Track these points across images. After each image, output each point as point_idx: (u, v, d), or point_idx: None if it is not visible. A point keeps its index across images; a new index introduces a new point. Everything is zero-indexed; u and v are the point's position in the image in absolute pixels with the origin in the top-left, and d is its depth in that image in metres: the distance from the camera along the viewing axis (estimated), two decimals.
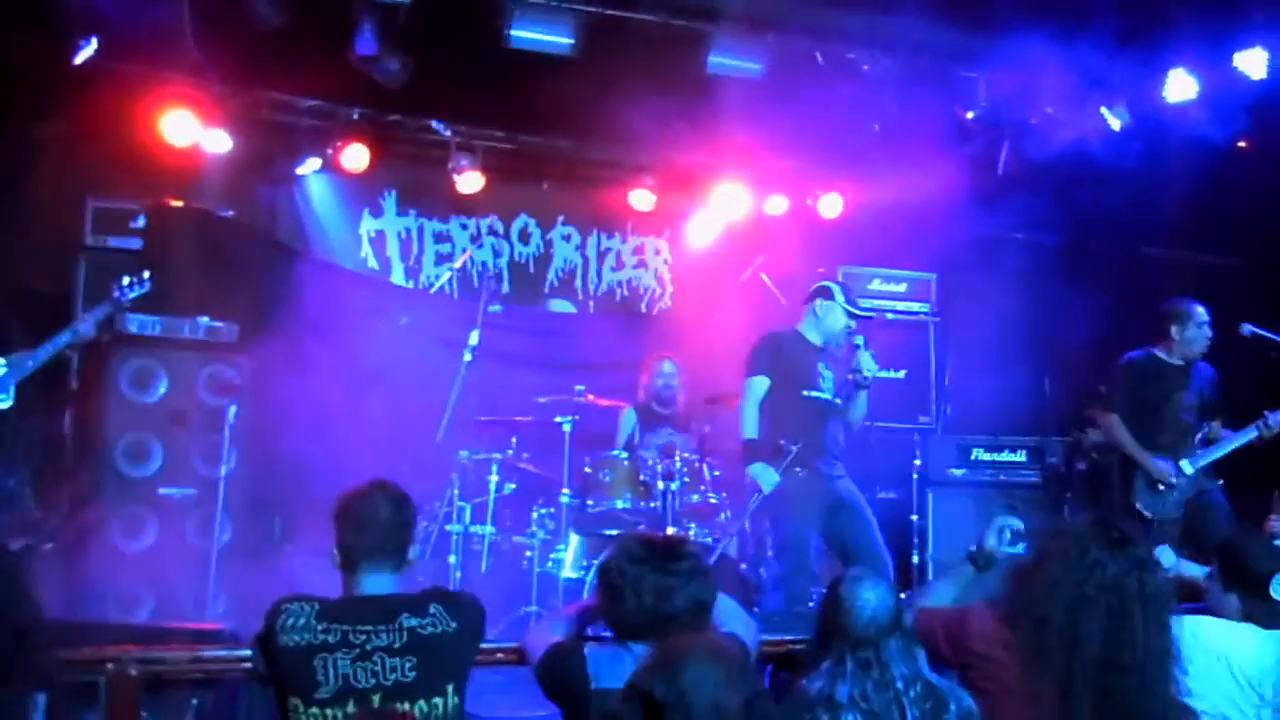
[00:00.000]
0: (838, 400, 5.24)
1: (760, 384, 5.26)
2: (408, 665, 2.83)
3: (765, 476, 5.01)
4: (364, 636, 2.83)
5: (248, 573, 5.34)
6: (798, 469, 5.02)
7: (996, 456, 6.71)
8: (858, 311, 5.33)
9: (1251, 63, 6.50)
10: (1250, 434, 5.48)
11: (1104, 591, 2.71)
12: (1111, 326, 7.23)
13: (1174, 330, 5.64)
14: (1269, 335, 5.49)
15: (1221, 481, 5.59)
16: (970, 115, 7.21)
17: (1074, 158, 7.02)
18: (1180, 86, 6.74)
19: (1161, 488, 5.53)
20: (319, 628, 2.83)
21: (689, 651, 2.19)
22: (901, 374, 7.51)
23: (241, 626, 3.51)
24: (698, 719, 2.05)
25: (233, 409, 5.34)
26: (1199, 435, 5.65)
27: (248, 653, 3.00)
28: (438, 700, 2.85)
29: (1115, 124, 7.04)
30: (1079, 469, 7.25)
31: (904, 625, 2.81)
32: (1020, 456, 6.81)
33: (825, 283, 5.48)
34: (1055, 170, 7.14)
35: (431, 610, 2.93)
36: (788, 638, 3.81)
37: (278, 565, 5.54)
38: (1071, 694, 2.65)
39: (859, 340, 5.21)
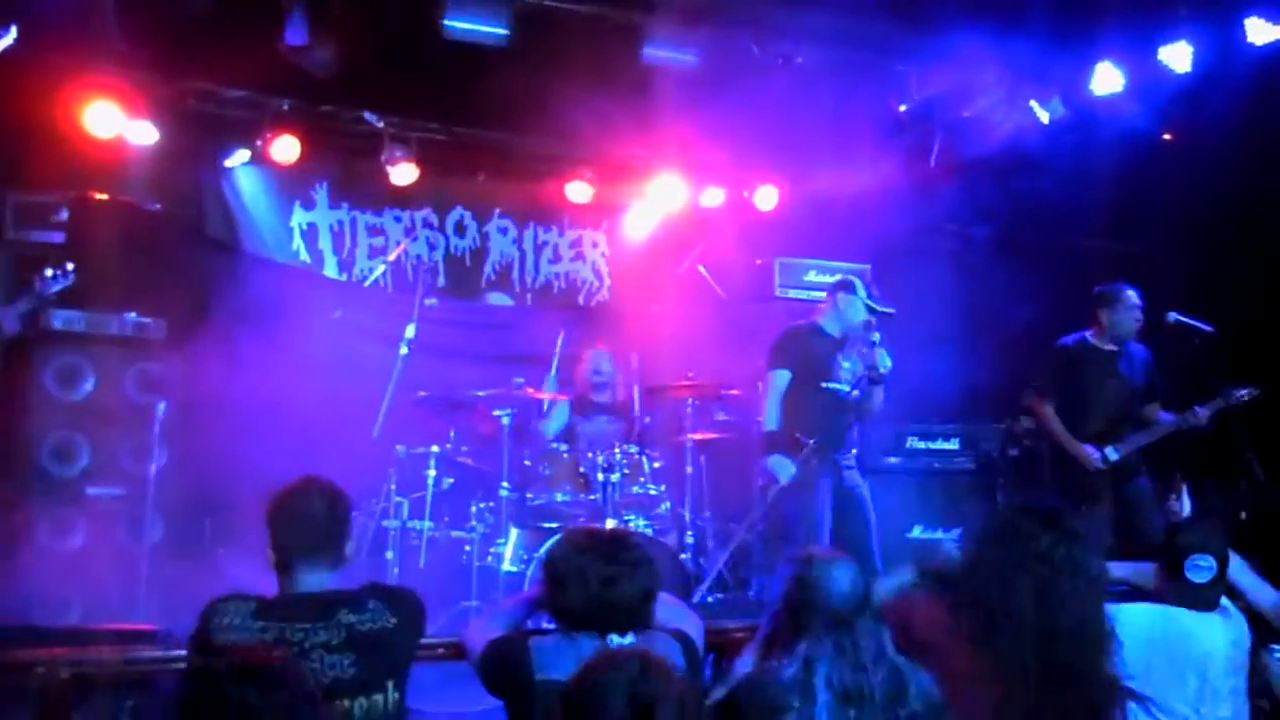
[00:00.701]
0: (854, 393, 5.36)
1: (782, 377, 5.42)
2: (347, 662, 2.82)
3: (783, 468, 5.18)
4: (302, 634, 2.82)
5: (180, 573, 5.26)
6: (813, 459, 5.16)
7: (931, 444, 6.81)
8: (878, 308, 5.45)
9: (1176, 56, 6.68)
10: (1175, 424, 5.60)
11: (1035, 563, 2.83)
12: (1042, 315, 7.39)
13: (1104, 313, 5.76)
14: (1193, 323, 5.63)
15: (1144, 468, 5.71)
16: (903, 108, 7.33)
17: (1005, 150, 7.18)
18: (1107, 79, 6.91)
19: (1089, 474, 5.65)
20: (256, 626, 2.81)
21: (612, 663, 2.19)
22: None
23: (174, 627, 3.47)
24: None
25: (161, 406, 5.26)
26: (1131, 420, 5.75)
27: (182, 653, 2.97)
28: (378, 696, 2.85)
29: (1044, 117, 7.19)
30: (1012, 455, 7.41)
31: (873, 605, 2.90)
32: (954, 444, 6.94)
33: (848, 277, 5.66)
34: (987, 162, 7.28)
35: (370, 606, 2.92)
36: (729, 625, 3.86)
37: (211, 565, 5.47)
38: (1014, 668, 2.76)
39: (875, 336, 5.34)
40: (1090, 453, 5.64)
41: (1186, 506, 4.18)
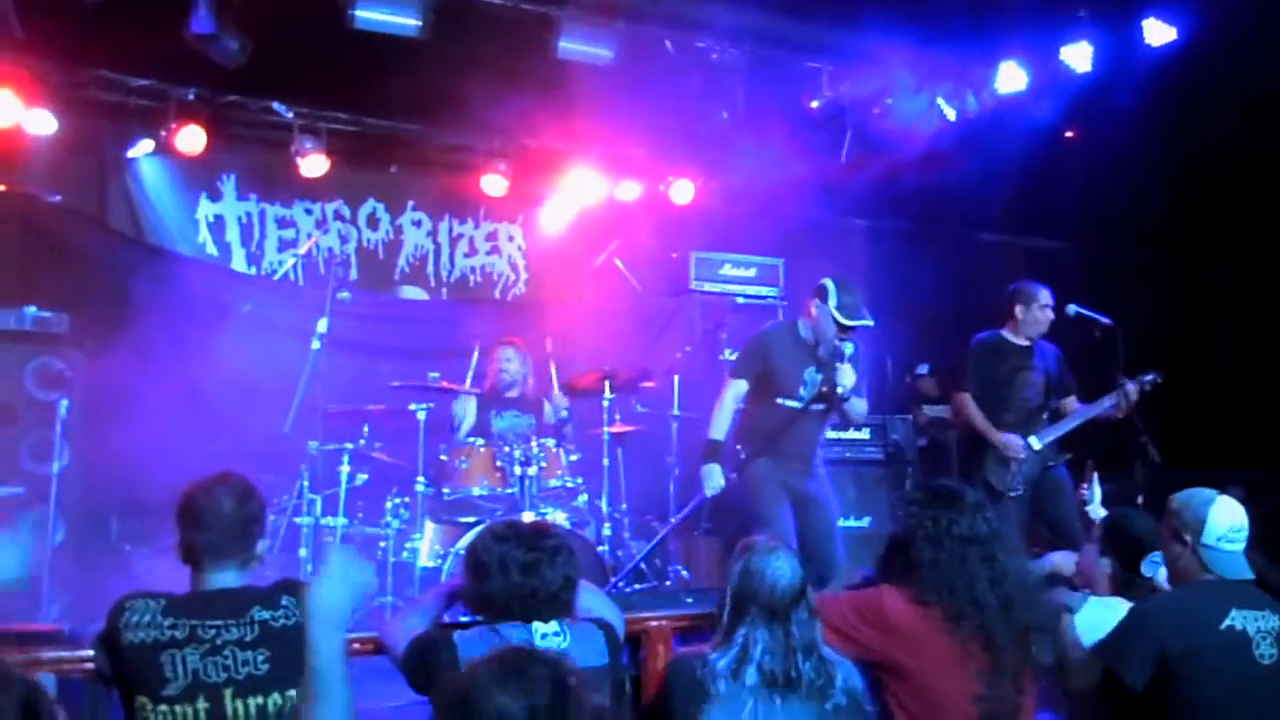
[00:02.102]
0: (814, 408, 5.09)
1: (737, 388, 5.17)
2: (260, 658, 2.81)
3: (711, 478, 5.03)
4: (214, 631, 2.80)
5: (85, 573, 5.15)
6: (761, 458, 5.05)
7: (842, 434, 6.91)
8: (847, 322, 4.98)
9: (1077, 56, 6.91)
10: (1106, 405, 5.78)
11: (967, 544, 3.09)
12: (948, 307, 7.61)
13: (1018, 310, 5.93)
14: (1092, 315, 5.82)
15: (1068, 456, 5.89)
16: (815, 104, 7.45)
17: (914, 146, 7.34)
18: (1011, 78, 7.12)
19: (1011, 463, 5.80)
20: (165, 623, 2.78)
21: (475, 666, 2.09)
22: None
23: (80, 628, 3.40)
24: None
25: (64, 403, 5.13)
26: (1046, 412, 5.93)
27: (89, 653, 2.92)
28: (292, 692, 2.83)
29: (950, 114, 7.38)
30: (920, 445, 7.60)
31: (808, 596, 2.96)
32: (865, 434, 7.06)
33: (823, 281, 5.12)
34: (896, 158, 7.43)
35: (283, 603, 2.90)
36: (645, 614, 3.91)
37: (117, 564, 5.37)
38: (991, 636, 3.02)
39: (848, 349, 5.01)
40: (1013, 440, 5.79)
41: (1097, 495, 4.31)
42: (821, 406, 5.12)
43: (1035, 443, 5.79)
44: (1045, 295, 5.87)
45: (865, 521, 6.83)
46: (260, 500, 2.99)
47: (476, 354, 6.30)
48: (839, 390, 4.99)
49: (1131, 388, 5.69)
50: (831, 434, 7.00)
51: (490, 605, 2.95)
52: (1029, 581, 3.20)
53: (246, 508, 2.94)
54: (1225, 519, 3.31)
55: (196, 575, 2.93)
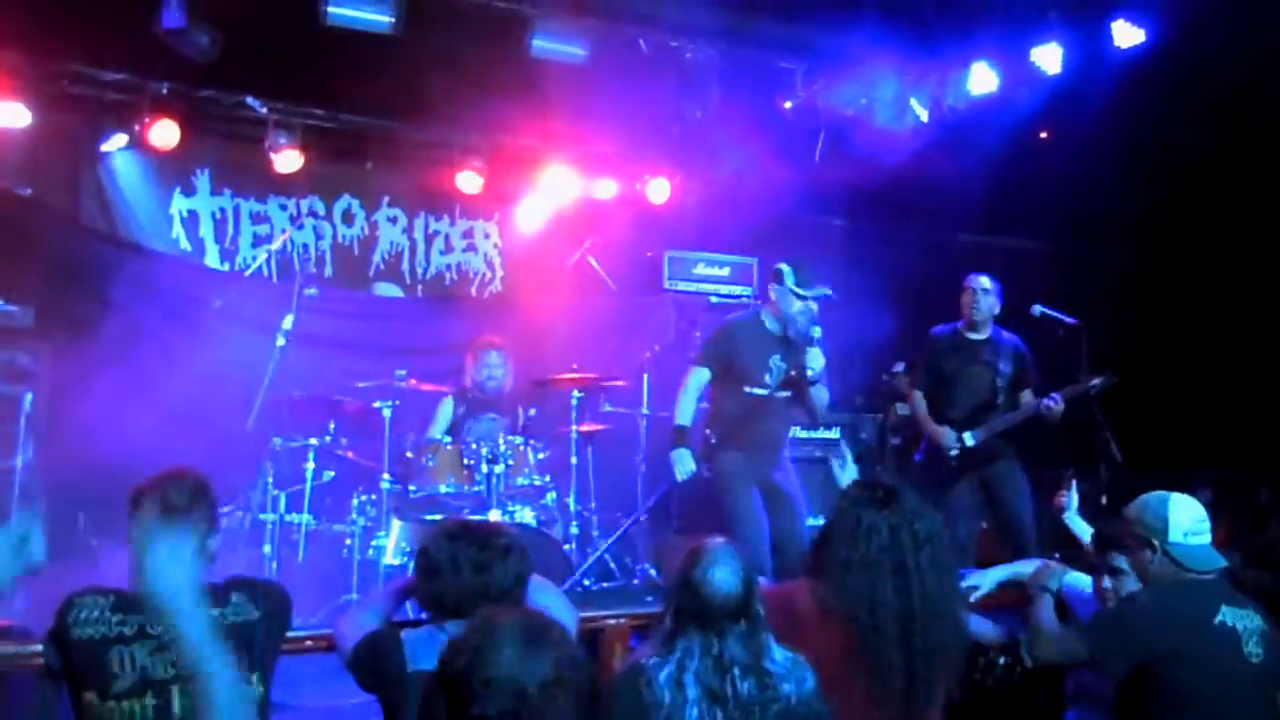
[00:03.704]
0: (780, 394, 5.13)
1: (699, 375, 5.19)
2: None
3: (681, 462, 5.07)
4: (162, 627, 2.80)
5: (52, 568, 5.12)
6: (733, 450, 5.07)
7: (814, 434, 6.94)
8: (805, 293, 5.08)
9: (1047, 58, 6.95)
10: (1029, 411, 5.83)
11: (884, 554, 2.95)
12: (922, 309, 7.61)
13: (963, 302, 5.98)
14: (1056, 315, 5.87)
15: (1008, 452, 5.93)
16: (788, 104, 7.48)
17: (886, 146, 7.37)
18: (983, 79, 7.16)
19: (953, 456, 5.85)
20: (114, 620, 2.80)
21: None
22: None
23: (45, 625, 3.41)
24: (496, 695, 2.06)
25: (29, 397, 5.12)
26: (996, 407, 5.94)
27: (38, 648, 2.93)
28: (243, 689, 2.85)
29: (923, 114, 7.42)
30: (894, 444, 7.63)
31: (751, 610, 2.87)
32: (835, 434, 7.09)
33: (778, 265, 5.26)
34: (869, 157, 7.46)
35: (233, 599, 2.92)
36: (603, 613, 3.93)
37: (84, 560, 5.35)
38: (882, 651, 2.90)
39: (816, 332, 5.06)
40: (945, 435, 5.83)
41: (1074, 501, 4.34)
42: (788, 393, 5.16)
43: (968, 438, 5.81)
44: (982, 282, 5.89)
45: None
46: (211, 495, 3.00)
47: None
48: (809, 373, 5.02)
49: (1051, 402, 5.68)
50: (802, 433, 7.08)
51: (441, 604, 2.96)
52: (945, 600, 2.99)
53: (196, 503, 2.94)
54: (1186, 514, 3.32)
55: None
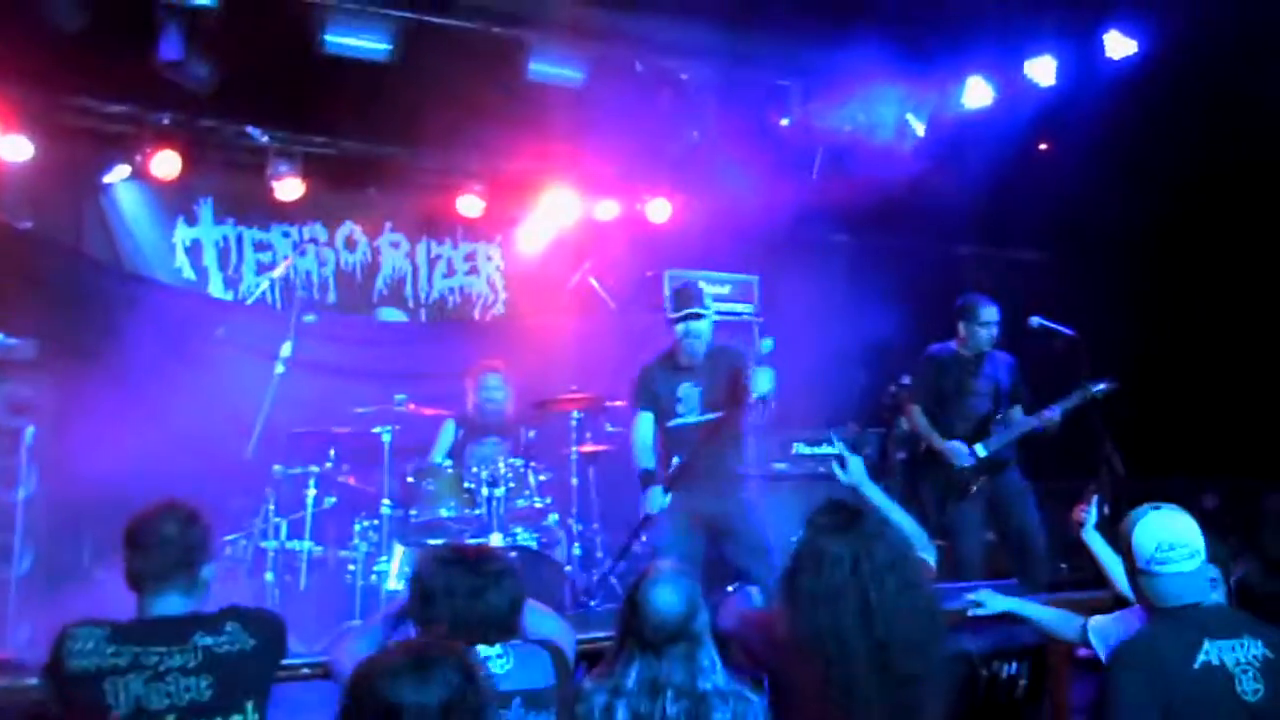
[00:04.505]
0: (706, 418, 5.15)
1: (640, 420, 5.28)
2: (204, 684, 2.83)
3: (651, 499, 5.10)
4: (157, 658, 2.82)
5: (54, 601, 5.15)
6: (672, 491, 5.09)
7: (816, 450, 6.94)
8: (675, 315, 5.25)
9: (1041, 70, 6.97)
10: (1031, 424, 5.83)
11: (847, 584, 2.82)
12: (924, 322, 7.60)
13: (961, 326, 6.00)
14: (1053, 326, 5.88)
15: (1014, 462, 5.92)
16: (786, 123, 7.50)
17: (885, 161, 7.39)
18: (977, 93, 7.17)
19: (960, 469, 5.84)
20: (109, 651, 2.81)
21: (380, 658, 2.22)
22: None
23: (30, 657, 3.42)
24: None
25: (30, 430, 5.14)
26: (996, 420, 5.96)
27: (32, 683, 2.94)
28: (237, 718, 2.86)
29: (920, 129, 7.43)
30: (898, 458, 7.61)
31: (692, 631, 2.85)
32: (837, 447, 7.03)
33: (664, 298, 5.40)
34: (869, 174, 7.47)
35: (228, 628, 2.93)
36: (605, 634, 3.91)
37: (88, 591, 5.37)
38: (855, 683, 2.79)
39: (766, 344, 5.16)
40: (956, 448, 5.84)
41: (1094, 516, 4.28)
42: (717, 415, 5.15)
43: (980, 450, 5.84)
44: (988, 312, 5.91)
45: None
46: (204, 525, 3.02)
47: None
48: (754, 394, 4.98)
49: (1050, 414, 5.67)
50: (805, 449, 7.07)
51: (435, 630, 2.97)
52: (919, 627, 2.83)
53: (188, 533, 2.96)
54: (1150, 536, 2.97)
55: (141, 601, 2.96)
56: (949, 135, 7.38)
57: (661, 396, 5.27)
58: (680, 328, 5.24)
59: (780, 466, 7.01)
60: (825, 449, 6.97)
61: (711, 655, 2.88)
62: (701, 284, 5.59)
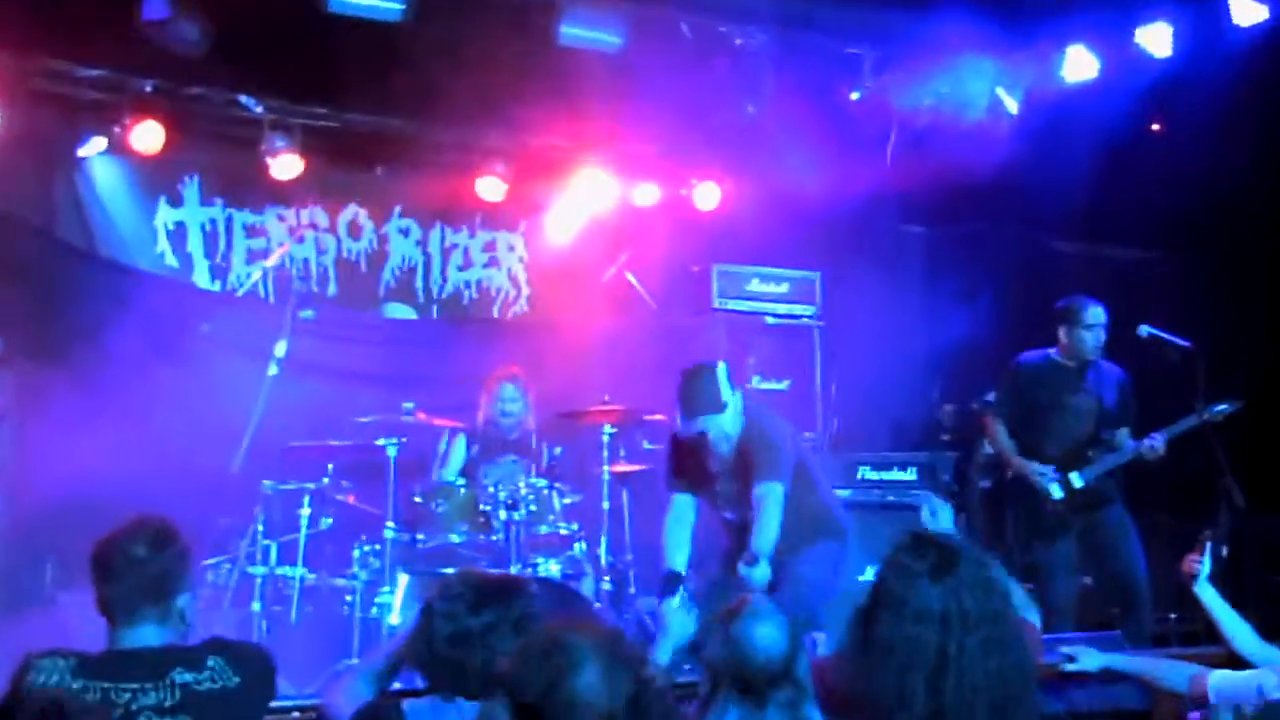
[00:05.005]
0: (751, 515, 4.66)
1: (678, 503, 4.96)
2: None
3: (669, 620, 4.55)
4: (128, 695, 2.84)
5: (15, 627, 5.23)
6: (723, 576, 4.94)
7: (885, 475, 6.92)
8: (681, 428, 4.79)
9: (1155, 39, 6.90)
10: (1130, 453, 5.78)
11: (924, 637, 2.66)
12: (1014, 329, 7.56)
13: (1062, 331, 5.94)
14: (1166, 336, 5.80)
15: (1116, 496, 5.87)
16: (855, 96, 7.49)
17: (971, 142, 7.35)
18: (1080, 65, 7.13)
19: (1053, 502, 5.79)
20: (75, 686, 2.83)
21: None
22: (784, 385, 7.75)
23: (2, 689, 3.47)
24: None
25: None
26: (1097, 445, 5.89)
27: None
28: None
29: (1013, 106, 7.39)
30: (981, 487, 7.57)
31: (795, 675, 2.85)
32: (910, 474, 7.04)
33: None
34: (950, 156, 7.43)
35: (209, 664, 2.95)
36: None
37: (52, 617, 5.45)
38: None
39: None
40: (1044, 475, 5.77)
41: (1207, 568, 4.25)
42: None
43: (1076, 480, 5.77)
44: (1095, 314, 5.85)
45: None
46: (183, 548, 3.04)
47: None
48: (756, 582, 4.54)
49: (1152, 441, 5.64)
50: (873, 474, 7.06)
51: (443, 677, 2.97)
52: (1010, 691, 2.67)
53: (161, 557, 2.98)
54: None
55: (111, 632, 2.99)
56: (1047, 113, 7.33)
57: (698, 484, 4.99)
58: (692, 440, 4.85)
59: (844, 494, 6.92)
60: (897, 474, 6.94)
61: (816, 711, 2.85)
62: (719, 370, 4.82)
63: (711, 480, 4.95)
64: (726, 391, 4.78)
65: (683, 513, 4.96)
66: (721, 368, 4.85)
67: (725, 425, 4.76)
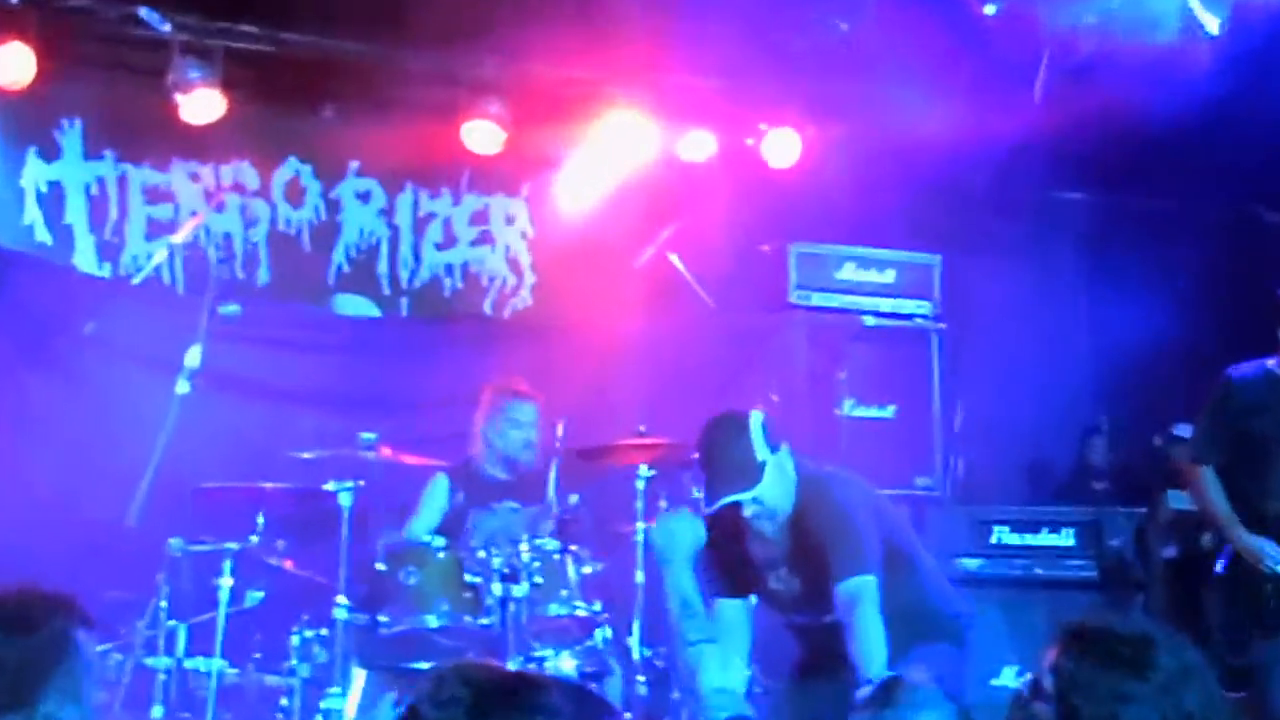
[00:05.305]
0: (827, 619, 4.65)
1: (725, 611, 4.87)
2: None
3: None
4: None
5: None
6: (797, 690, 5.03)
7: (1030, 539, 6.93)
8: (707, 510, 4.74)
9: None
10: None
11: None
12: (1208, 332, 7.53)
13: None
14: None
15: None
16: (990, 10, 7.46)
17: (1151, 78, 7.31)
18: None
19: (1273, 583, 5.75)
20: None
21: None
22: (889, 411, 7.71)
23: None
24: None
25: None
26: None
27: None
28: None
29: (1213, 26, 7.34)
30: (1165, 557, 7.52)
31: None
32: (1067, 538, 7.02)
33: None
34: (1123, 97, 7.41)
35: None
36: None
37: None
38: None
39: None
40: (1263, 545, 5.73)
41: None
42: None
43: None
44: None
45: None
46: (51, 632, 3.05)
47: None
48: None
49: None
50: (1013, 538, 7.03)
51: None
52: None
53: (20, 645, 2.99)
54: None
55: None
56: (1260, 40, 7.28)
57: (746, 582, 4.90)
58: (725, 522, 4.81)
59: (972, 564, 6.98)
60: (1048, 538, 6.90)
61: None
62: (752, 424, 4.62)
63: (760, 575, 4.88)
64: (762, 451, 4.63)
65: (733, 625, 4.83)
66: (755, 420, 4.70)
67: (766, 499, 4.62)
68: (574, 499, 6.24)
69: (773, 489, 4.62)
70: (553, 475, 6.30)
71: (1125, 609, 7.05)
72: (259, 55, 7.74)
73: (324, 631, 5.81)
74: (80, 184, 7.96)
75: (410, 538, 6.05)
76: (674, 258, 8.24)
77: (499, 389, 6.47)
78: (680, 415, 6.65)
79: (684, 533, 4.70)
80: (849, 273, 7.88)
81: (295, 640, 5.84)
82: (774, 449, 4.65)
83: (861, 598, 4.48)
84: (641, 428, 6.38)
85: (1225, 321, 7.17)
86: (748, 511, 4.63)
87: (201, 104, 7.51)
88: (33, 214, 7.83)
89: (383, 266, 8.55)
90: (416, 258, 8.63)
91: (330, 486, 5.85)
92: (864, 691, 4.44)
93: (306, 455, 6.04)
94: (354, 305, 8.31)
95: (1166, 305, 7.72)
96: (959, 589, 5.25)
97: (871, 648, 4.41)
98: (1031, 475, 7.92)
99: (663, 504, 6.32)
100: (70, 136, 7.93)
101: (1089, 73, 7.56)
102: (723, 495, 4.55)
